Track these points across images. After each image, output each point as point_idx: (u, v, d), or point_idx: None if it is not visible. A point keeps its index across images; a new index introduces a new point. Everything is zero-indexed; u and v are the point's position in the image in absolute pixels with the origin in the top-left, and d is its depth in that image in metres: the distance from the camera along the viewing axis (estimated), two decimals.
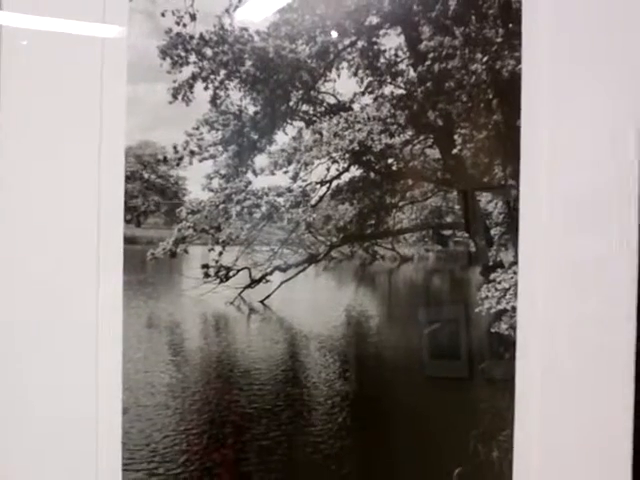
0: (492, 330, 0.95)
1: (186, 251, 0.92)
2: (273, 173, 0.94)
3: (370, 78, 0.96)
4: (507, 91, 0.96)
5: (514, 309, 0.94)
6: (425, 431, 0.98)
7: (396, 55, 0.96)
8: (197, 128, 0.91)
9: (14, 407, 0.81)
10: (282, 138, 0.94)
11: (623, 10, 0.95)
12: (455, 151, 0.96)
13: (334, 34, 0.95)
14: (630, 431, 0.94)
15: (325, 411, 0.95)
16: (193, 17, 0.89)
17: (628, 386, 0.94)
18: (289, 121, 0.94)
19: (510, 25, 0.96)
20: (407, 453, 0.98)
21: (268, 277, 0.95)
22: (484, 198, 0.96)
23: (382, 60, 0.96)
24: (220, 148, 0.92)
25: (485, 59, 0.96)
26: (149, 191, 0.91)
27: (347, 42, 0.95)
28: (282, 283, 0.95)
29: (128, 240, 0.88)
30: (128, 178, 0.87)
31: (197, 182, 0.92)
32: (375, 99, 0.96)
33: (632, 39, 0.95)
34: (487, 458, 0.96)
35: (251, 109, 0.93)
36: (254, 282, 0.95)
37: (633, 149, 0.95)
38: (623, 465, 0.95)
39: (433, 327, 0.95)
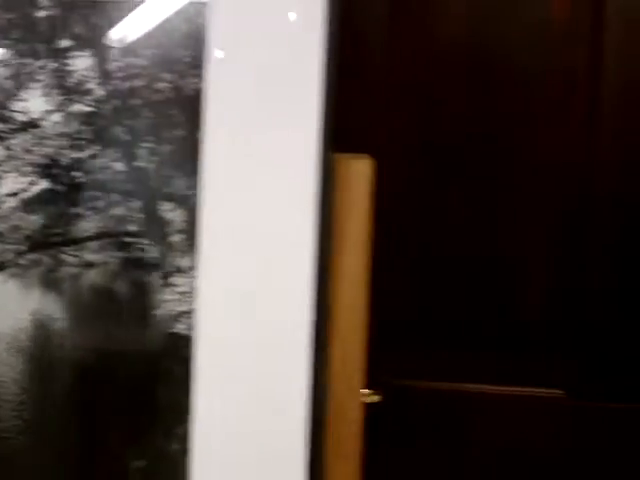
0: (172, 331, 1.01)
1: None
2: None
3: (60, 97, 1.02)
4: (190, 108, 1.02)
5: (192, 311, 1.01)
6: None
7: (85, 75, 1.03)
8: None
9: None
10: None
11: None
12: (140, 164, 1.03)
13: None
14: (304, 421, 1.00)
15: (13, 407, 1.01)
16: None
17: (302, 380, 1.01)
18: None
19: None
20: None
21: None
22: (166, 207, 1.02)
23: (72, 80, 1.02)
24: None
25: (171, 78, 1.02)
26: None
27: (39, 64, 1.02)
28: None
29: None
30: None
31: None
32: (64, 116, 1.02)
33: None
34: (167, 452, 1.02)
35: None
36: None
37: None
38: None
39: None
